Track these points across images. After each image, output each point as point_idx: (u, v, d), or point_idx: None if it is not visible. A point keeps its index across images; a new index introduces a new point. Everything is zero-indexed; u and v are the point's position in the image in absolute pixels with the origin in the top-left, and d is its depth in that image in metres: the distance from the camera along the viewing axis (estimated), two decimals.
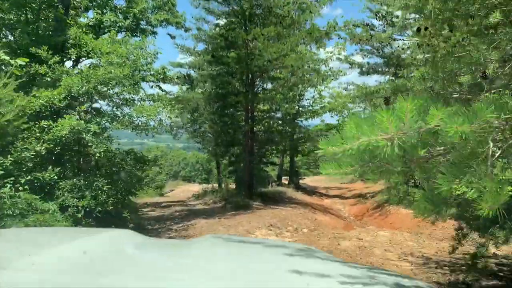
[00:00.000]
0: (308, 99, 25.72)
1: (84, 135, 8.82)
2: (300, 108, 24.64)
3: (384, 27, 14.58)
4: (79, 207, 8.53)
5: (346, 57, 21.32)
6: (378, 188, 28.29)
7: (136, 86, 14.08)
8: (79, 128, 8.63)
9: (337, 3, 14.89)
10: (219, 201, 18.09)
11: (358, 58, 18.03)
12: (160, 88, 17.81)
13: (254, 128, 17.84)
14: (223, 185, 23.93)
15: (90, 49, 10.02)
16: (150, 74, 15.99)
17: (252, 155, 17.19)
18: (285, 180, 29.51)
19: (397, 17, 15.28)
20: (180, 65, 22.36)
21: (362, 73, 15.74)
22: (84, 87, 9.10)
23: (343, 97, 25.59)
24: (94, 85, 9.27)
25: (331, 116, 26.01)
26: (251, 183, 17.88)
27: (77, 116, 9.78)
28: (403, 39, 14.94)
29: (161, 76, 16.38)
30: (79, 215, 8.45)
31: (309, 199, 23.49)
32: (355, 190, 31.50)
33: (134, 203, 23.11)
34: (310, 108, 25.67)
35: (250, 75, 16.08)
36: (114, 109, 10.89)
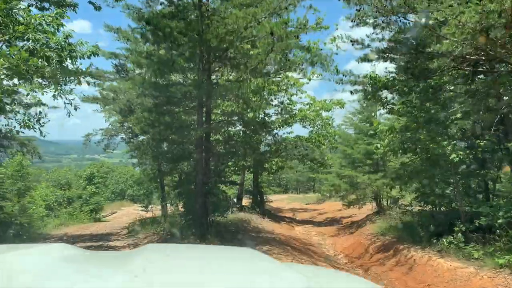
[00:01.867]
0: (276, 105, 20.20)
1: None
2: (266, 117, 19.07)
3: None
4: None
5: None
6: (353, 211, 23.17)
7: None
8: None
9: None
10: (157, 240, 11.93)
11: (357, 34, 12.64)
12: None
13: (211, 137, 11.96)
14: (167, 210, 17.64)
15: None
16: (49, 48, 9.91)
17: (207, 173, 11.25)
18: (245, 200, 23.64)
19: None
20: (116, 56, 16.18)
21: (366, 59, 10.50)
22: None
23: (318, 103, 20.37)
24: None
25: (303, 127, 20.60)
26: (205, 212, 11.88)
27: None
28: None
29: (67, 53, 10.28)
30: None
31: (279, 229, 17.74)
32: (326, 213, 26.13)
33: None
34: (278, 116, 20.20)
35: (204, 55, 10.26)
36: None
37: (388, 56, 10.51)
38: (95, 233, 17.53)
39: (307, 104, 20.00)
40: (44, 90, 7.64)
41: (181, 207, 17.34)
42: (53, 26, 9.82)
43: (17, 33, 9.18)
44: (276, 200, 33.29)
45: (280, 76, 11.59)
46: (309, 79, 19.91)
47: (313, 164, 21.33)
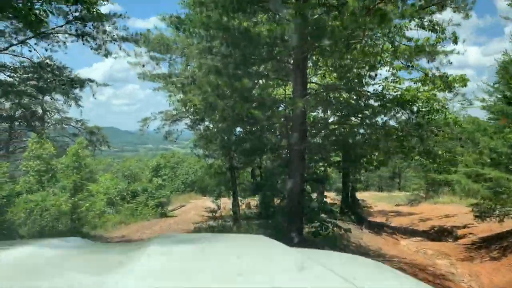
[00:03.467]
0: (377, 83, 15.24)
1: None
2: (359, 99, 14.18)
3: None
4: None
5: None
6: (467, 220, 17.56)
7: None
8: None
9: None
10: None
11: None
12: None
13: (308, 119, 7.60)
14: (239, 212, 13.59)
15: None
16: None
17: (303, 172, 6.92)
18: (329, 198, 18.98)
19: None
20: (180, 20, 12.34)
21: None
22: None
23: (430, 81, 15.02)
24: None
25: (411, 111, 15.34)
26: (300, 227, 7.64)
27: None
28: None
29: None
30: None
31: (384, 245, 13.03)
32: (430, 220, 20.56)
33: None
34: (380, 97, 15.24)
35: None
36: None
37: None
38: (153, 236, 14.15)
39: (418, 80, 14.75)
40: None
41: (255, 206, 13.41)
42: None
43: None
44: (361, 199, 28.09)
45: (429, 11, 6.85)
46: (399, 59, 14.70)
47: (429, 161, 16.00)
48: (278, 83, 7.71)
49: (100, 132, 29.53)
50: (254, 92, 6.76)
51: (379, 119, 10.34)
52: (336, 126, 10.97)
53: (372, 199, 32.15)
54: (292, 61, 6.45)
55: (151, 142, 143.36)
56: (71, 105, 26.58)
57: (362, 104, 10.01)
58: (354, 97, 9.83)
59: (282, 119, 7.09)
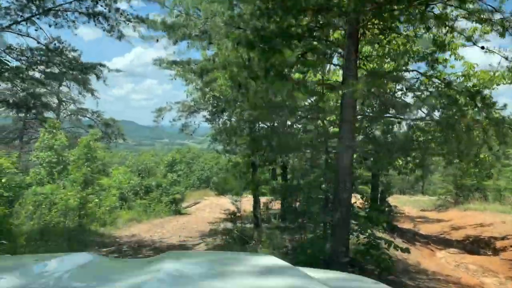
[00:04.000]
0: (413, 78, 13.57)
1: None
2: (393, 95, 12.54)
3: None
4: None
5: None
6: (505, 230, 15.84)
7: None
8: None
9: None
10: None
11: None
12: None
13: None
14: (261, 215, 12.10)
15: None
16: None
17: (351, 173, 5.47)
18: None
19: None
20: None
21: None
22: None
23: (482, 74, 13.33)
24: None
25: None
26: (347, 239, 6.13)
27: None
28: None
29: None
30: None
31: (421, 258, 11.45)
32: (463, 229, 18.74)
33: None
34: (413, 93, 13.56)
35: None
36: None
37: None
38: (165, 238, 12.85)
39: (461, 75, 13.03)
40: None
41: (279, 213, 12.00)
42: None
43: None
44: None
45: None
46: (470, 39, 13.01)
47: (470, 165, 14.28)
48: (319, 63, 6.29)
49: (115, 124, 28.42)
50: (292, 73, 5.35)
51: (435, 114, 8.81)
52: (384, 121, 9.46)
53: (396, 203, 30.26)
54: (343, 34, 5.02)
55: (167, 136, 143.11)
56: (84, 95, 25.38)
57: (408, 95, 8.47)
58: (403, 88, 8.32)
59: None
